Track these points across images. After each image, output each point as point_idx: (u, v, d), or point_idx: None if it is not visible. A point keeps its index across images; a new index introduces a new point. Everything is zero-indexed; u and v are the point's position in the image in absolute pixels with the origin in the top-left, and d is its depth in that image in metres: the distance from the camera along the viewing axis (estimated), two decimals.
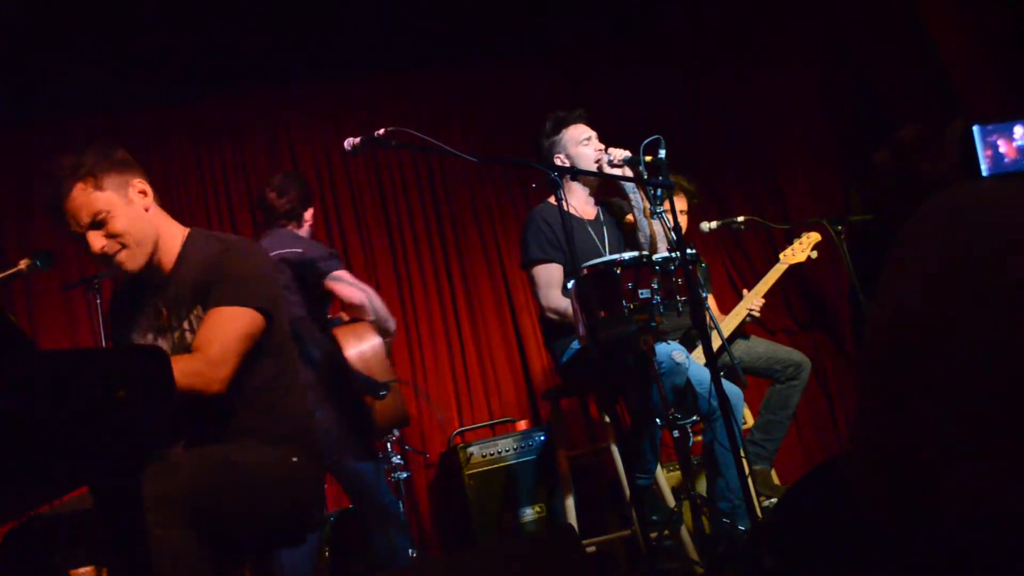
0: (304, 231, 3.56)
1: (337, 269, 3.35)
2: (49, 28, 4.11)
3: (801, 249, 4.06)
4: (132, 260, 2.11)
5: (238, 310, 2.03)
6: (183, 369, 1.88)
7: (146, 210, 2.14)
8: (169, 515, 1.73)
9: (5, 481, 1.38)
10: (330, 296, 3.40)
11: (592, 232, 3.46)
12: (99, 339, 3.83)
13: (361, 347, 3.21)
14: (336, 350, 3.10)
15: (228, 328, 2.01)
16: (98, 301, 3.75)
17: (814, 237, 4.06)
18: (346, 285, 3.34)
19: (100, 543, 1.83)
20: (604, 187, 3.64)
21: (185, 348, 2.09)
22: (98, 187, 2.06)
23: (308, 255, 3.31)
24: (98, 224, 2.07)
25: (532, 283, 3.44)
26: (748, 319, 3.99)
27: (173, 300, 2.14)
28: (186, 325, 2.12)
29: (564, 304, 3.28)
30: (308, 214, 3.60)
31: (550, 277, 3.36)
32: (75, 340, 4.57)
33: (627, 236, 3.54)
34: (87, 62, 4.38)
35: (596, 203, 3.58)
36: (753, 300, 4.00)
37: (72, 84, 4.50)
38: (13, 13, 3.90)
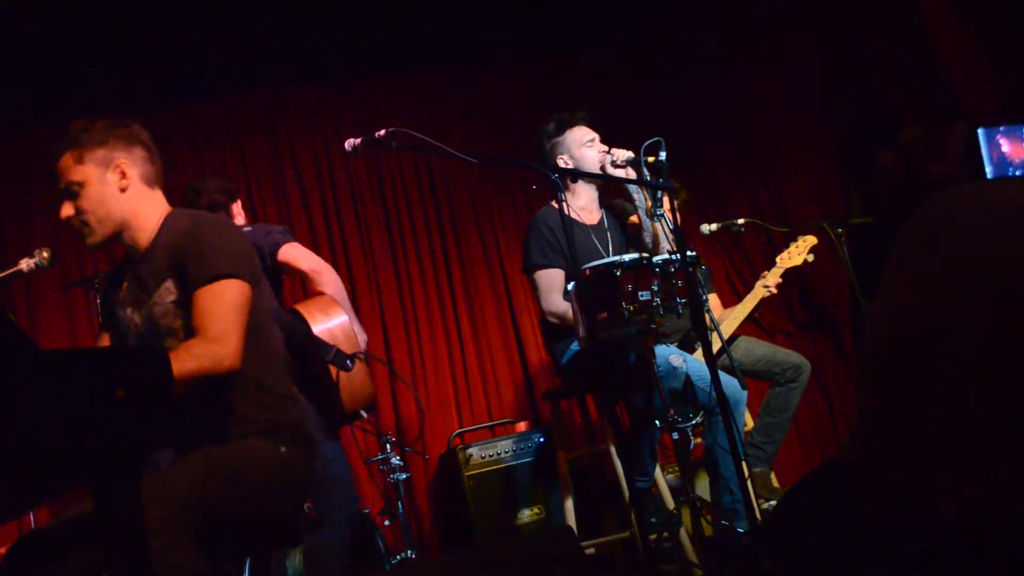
0: (238, 223, 3.55)
1: (290, 241, 3.32)
2: (50, 28, 4.11)
3: (797, 252, 4.04)
4: (92, 236, 2.17)
5: (222, 283, 2.01)
6: (190, 354, 1.88)
7: (122, 190, 2.17)
8: (170, 539, 1.72)
9: (4, 480, 1.37)
10: (281, 280, 3.38)
11: (595, 238, 3.45)
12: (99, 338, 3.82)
13: (329, 323, 3.13)
14: (301, 324, 3.04)
15: (220, 303, 2.00)
16: (98, 301, 3.75)
17: (810, 240, 4.05)
18: (302, 253, 3.32)
19: (100, 547, 1.82)
20: (609, 188, 3.64)
21: (154, 321, 2.10)
22: (79, 160, 2.15)
23: (254, 233, 3.30)
24: (71, 194, 2.16)
25: (533, 287, 3.44)
26: (765, 296, 3.98)
27: (147, 274, 2.15)
28: (156, 298, 2.10)
29: (565, 308, 3.29)
30: (236, 207, 3.58)
31: (551, 282, 3.36)
32: (75, 340, 4.57)
33: (631, 238, 3.54)
34: (87, 62, 4.38)
35: (600, 205, 3.57)
36: (770, 279, 3.98)
37: (72, 84, 4.50)
38: (14, 14, 3.91)
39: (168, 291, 2.09)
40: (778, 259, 4.07)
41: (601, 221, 3.53)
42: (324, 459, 3.19)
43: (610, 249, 3.43)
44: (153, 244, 2.17)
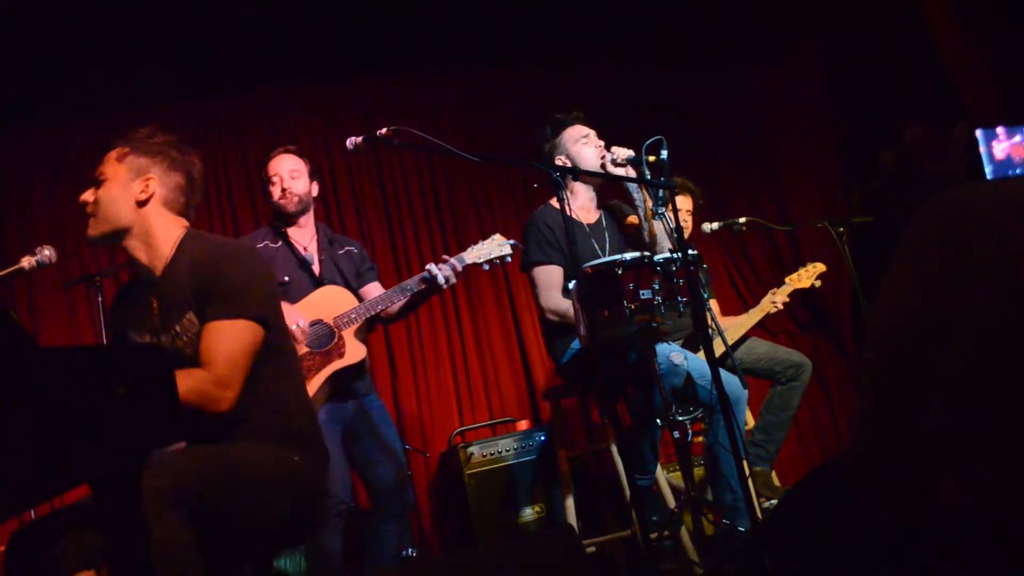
0: None
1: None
2: (50, 27, 4.11)
3: (807, 276, 4.13)
4: (92, 228, 2.22)
5: (239, 324, 2.02)
6: (191, 388, 1.89)
7: (139, 203, 2.18)
8: (167, 512, 1.73)
9: (5, 477, 1.38)
10: None
11: (592, 237, 3.45)
12: (100, 336, 3.83)
13: None
14: None
15: (233, 344, 2.00)
16: (99, 298, 3.75)
17: (819, 267, 4.14)
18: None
19: (101, 544, 1.83)
20: (606, 188, 3.63)
21: (177, 351, 2.09)
22: (120, 158, 2.22)
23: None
24: (96, 182, 2.22)
25: (532, 285, 3.45)
26: (771, 312, 4.06)
27: (166, 301, 2.14)
28: (177, 328, 2.11)
29: (565, 306, 3.28)
30: None
31: (550, 279, 3.36)
32: (76, 337, 4.57)
33: (629, 238, 3.54)
34: (88, 60, 4.38)
35: (598, 206, 3.57)
36: (779, 297, 4.04)
37: (73, 82, 4.50)
38: (15, 13, 3.91)
39: (191, 323, 2.09)
40: (788, 279, 4.15)
41: (599, 221, 3.53)
42: None
43: (607, 249, 3.43)
44: (170, 269, 2.16)
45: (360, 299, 3.42)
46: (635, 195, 3.34)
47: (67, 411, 1.37)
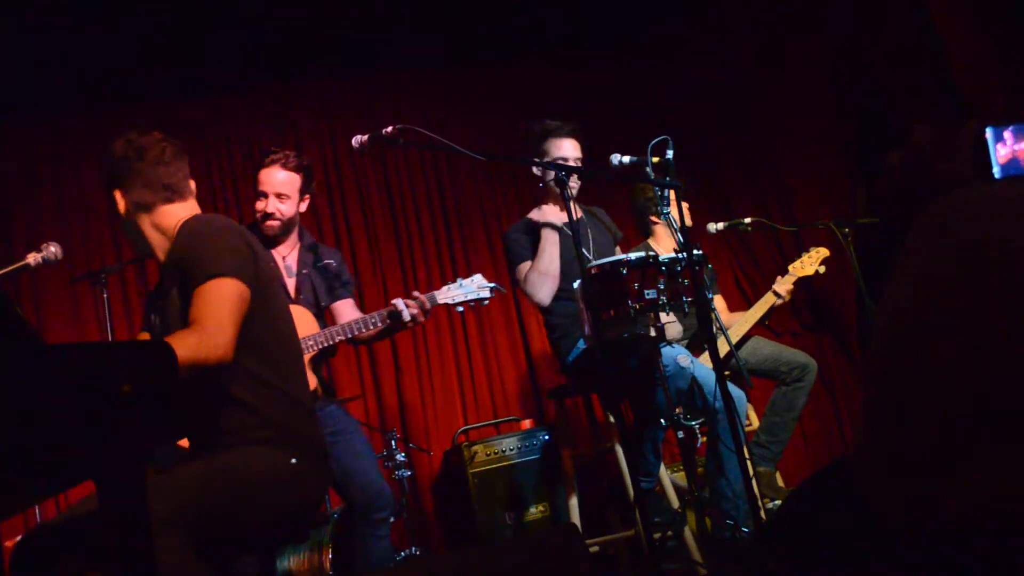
0: None
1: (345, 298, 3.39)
2: (53, 24, 4.11)
3: (810, 262, 4.08)
4: (133, 247, 2.36)
5: (217, 281, 2.04)
6: (183, 343, 1.87)
7: (125, 214, 2.26)
8: (169, 537, 1.73)
9: (12, 474, 1.38)
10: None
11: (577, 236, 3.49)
12: (106, 333, 3.84)
13: None
14: None
15: (214, 298, 2.02)
16: (105, 295, 3.76)
17: (823, 252, 4.09)
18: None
19: (104, 546, 1.83)
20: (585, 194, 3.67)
21: (167, 327, 2.14)
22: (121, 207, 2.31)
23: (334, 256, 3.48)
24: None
25: (521, 282, 3.49)
26: (776, 304, 4.01)
27: (166, 285, 2.22)
28: (170, 307, 2.16)
29: (530, 278, 3.39)
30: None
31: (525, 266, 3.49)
32: (82, 334, 4.58)
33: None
34: (91, 58, 4.38)
35: (581, 207, 3.61)
36: (782, 287, 4.00)
37: (76, 80, 4.51)
38: (19, 11, 3.91)
39: (173, 301, 2.14)
40: (791, 267, 4.10)
41: (581, 221, 3.54)
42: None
43: (592, 249, 3.45)
44: (167, 256, 2.24)
45: (329, 316, 3.28)
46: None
47: (72, 408, 1.37)
